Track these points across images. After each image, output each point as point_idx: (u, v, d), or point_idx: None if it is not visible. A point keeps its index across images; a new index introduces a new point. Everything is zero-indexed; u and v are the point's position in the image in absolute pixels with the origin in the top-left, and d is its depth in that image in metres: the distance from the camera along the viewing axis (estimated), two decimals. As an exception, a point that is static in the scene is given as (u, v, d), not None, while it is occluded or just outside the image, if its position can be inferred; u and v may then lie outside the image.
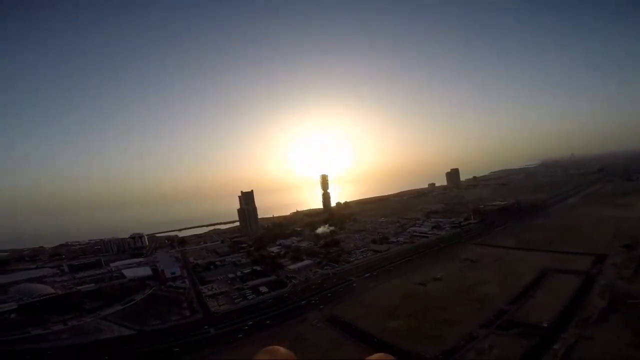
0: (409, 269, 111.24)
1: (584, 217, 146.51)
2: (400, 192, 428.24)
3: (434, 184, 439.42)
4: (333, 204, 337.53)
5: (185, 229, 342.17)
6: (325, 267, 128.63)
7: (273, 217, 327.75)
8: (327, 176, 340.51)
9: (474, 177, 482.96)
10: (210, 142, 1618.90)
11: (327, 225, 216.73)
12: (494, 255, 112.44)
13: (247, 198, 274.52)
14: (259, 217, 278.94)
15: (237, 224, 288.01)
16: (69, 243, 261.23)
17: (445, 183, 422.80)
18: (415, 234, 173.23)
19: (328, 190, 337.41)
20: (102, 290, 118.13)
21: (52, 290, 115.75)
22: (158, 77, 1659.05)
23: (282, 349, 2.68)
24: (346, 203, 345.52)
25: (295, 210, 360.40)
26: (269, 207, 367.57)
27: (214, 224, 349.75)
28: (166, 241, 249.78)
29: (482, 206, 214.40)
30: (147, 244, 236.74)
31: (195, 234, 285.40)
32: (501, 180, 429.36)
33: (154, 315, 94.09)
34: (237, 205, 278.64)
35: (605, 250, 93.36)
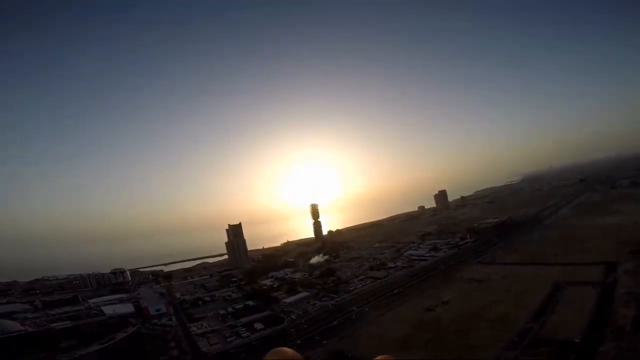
0: (413, 294, 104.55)
1: (580, 227, 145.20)
2: (392, 217, 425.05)
3: (424, 206, 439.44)
4: (325, 232, 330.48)
5: (171, 263, 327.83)
6: (324, 299, 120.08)
7: (263, 249, 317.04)
8: (317, 205, 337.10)
9: (462, 197, 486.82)
10: (196, 174, 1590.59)
11: (321, 255, 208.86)
12: (500, 273, 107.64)
13: (235, 230, 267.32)
14: (249, 249, 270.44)
15: (226, 257, 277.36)
16: (45, 278, 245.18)
17: (434, 205, 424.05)
18: (412, 257, 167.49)
19: (319, 219, 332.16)
20: (78, 328, 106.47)
21: (21, 328, 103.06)
22: (139, 105, 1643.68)
23: (289, 350, 2.75)
24: (338, 231, 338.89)
25: (286, 241, 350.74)
26: (258, 238, 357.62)
27: (201, 258, 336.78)
28: (150, 276, 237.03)
29: (476, 224, 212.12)
30: (130, 279, 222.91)
31: (181, 268, 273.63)
32: (487, 199, 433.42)
33: (137, 356, 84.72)
34: (225, 238, 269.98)
35: (613, 258, 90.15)
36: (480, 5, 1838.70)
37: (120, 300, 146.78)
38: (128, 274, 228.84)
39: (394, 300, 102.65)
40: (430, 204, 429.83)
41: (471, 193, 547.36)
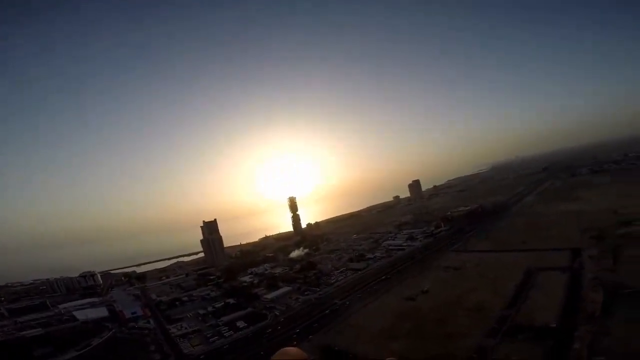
0: (393, 284, 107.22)
1: (546, 214, 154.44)
2: (369, 207, 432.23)
3: (399, 196, 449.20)
4: (303, 225, 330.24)
5: (143, 264, 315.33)
6: (306, 293, 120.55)
7: (241, 245, 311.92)
8: (295, 198, 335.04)
9: (434, 186, 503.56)
10: (168, 171, 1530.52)
11: (301, 248, 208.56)
12: (474, 261, 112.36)
13: (210, 227, 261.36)
14: (225, 245, 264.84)
15: (202, 255, 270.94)
16: (9, 284, 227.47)
17: (408, 194, 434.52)
18: (390, 247, 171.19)
19: (297, 213, 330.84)
20: (51, 335, 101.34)
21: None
22: (107, 100, 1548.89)
23: (296, 350, 2.83)
24: (317, 223, 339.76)
25: (264, 236, 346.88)
26: (235, 234, 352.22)
27: (176, 257, 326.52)
28: (123, 278, 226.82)
29: (449, 213, 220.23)
30: (101, 282, 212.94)
31: (155, 269, 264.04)
32: (459, 187, 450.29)
33: None
34: (200, 236, 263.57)
35: (578, 244, 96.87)
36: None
37: (93, 305, 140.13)
38: (99, 276, 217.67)
39: (375, 291, 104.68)
40: (405, 193, 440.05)
41: (443, 182, 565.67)
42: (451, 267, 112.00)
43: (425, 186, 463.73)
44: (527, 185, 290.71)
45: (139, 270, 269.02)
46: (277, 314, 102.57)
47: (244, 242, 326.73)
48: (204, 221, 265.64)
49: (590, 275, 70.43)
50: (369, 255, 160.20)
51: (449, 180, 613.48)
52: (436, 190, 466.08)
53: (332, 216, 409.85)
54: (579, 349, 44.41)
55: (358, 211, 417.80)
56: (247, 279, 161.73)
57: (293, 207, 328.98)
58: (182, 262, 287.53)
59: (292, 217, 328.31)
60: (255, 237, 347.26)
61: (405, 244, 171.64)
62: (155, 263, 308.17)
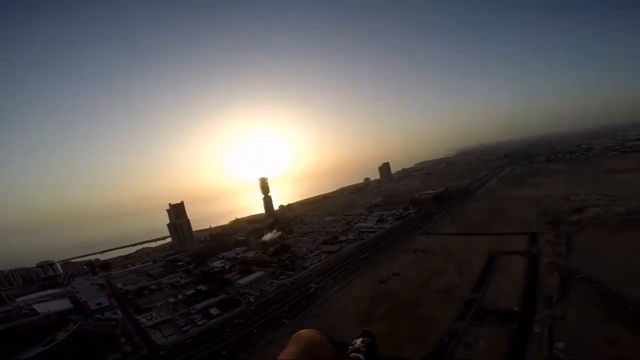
0: (365, 267, 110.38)
1: (507, 198, 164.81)
2: (340, 189, 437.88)
3: (369, 178, 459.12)
4: (276, 207, 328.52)
5: (107, 250, 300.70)
6: (281, 277, 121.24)
7: (210, 229, 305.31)
8: (266, 179, 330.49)
9: (403, 169, 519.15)
10: (131, 153, 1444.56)
11: (274, 231, 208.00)
12: (441, 244, 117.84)
13: (177, 211, 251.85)
14: (194, 229, 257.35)
15: (169, 240, 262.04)
16: None
17: (378, 177, 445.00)
18: (362, 229, 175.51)
19: (269, 194, 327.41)
20: (12, 330, 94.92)
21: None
22: (65, 76, 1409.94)
23: (314, 332, 2.99)
24: (289, 205, 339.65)
25: (234, 219, 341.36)
26: (204, 218, 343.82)
27: (141, 243, 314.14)
28: (85, 267, 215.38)
29: (417, 196, 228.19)
30: (61, 271, 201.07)
31: (120, 256, 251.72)
32: (426, 171, 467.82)
33: (87, 356, 78.37)
34: (167, 220, 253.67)
35: (535, 229, 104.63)
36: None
37: (54, 297, 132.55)
38: (59, 266, 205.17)
39: (349, 274, 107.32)
40: (375, 175, 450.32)
41: (412, 165, 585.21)
42: (420, 249, 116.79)
43: (394, 169, 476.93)
44: (490, 170, 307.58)
45: (103, 257, 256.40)
46: (252, 300, 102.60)
47: (213, 225, 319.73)
48: (170, 204, 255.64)
49: (546, 260, 76.65)
50: (342, 238, 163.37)
51: (417, 164, 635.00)
52: (405, 173, 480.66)
53: (304, 198, 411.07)
54: (540, 333, 48.41)
55: (331, 193, 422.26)
56: (218, 264, 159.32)
57: (265, 188, 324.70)
58: (149, 248, 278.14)
59: (264, 198, 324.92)
60: (225, 220, 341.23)
61: (375, 227, 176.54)
62: (120, 250, 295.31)
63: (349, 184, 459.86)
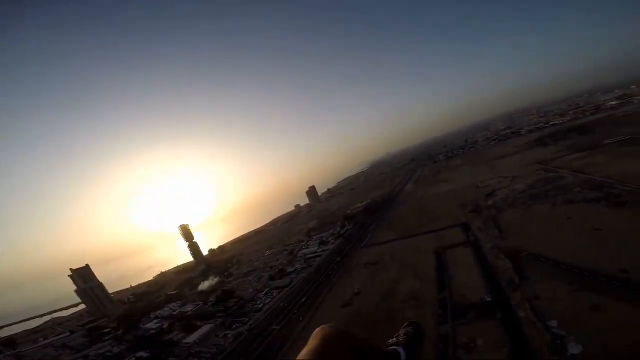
0: (324, 293, 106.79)
1: (427, 197, 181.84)
2: (273, 220, 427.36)
3: (299, 204, 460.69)
4: (205, 252, 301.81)
5: (5, 326, 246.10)
6: (234, 326, 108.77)
7: (132, 287, 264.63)
8: (187, 225, 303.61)
9: (328, 189, 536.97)
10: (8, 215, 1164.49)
11: (211, 277, 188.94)
12: (387, 252, 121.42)
13: (82, 275, 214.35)
14: (112, 291, 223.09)
15: (83, 306, 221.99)
16: None
17: (307, 201, 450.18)
18: (307, 256, 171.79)
19: (194, 240, 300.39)
20: None
21: None
22: None
23: (336, 327, 2.88)
24: (220, 247, 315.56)
25: (159, 272, 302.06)
26: (121, 276, 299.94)
27: (48, 313, 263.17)
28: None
29: (349, 211, 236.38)
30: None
31: (24, 330, 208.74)
32: (349, 187, 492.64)
33: None
34: (72, 286, 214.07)
35: (464, 219, 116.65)
36: None
37: None
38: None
39: (309, 305, 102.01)
40: (304, 200, 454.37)
41: (335, 184, 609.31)
42: (370, 262, 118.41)
43: (320, 190, 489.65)
44: (403, 176, 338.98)
45: (3, 334, 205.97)
46: (208, 358, 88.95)
47: (134, 283, 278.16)
48: (71, 269, 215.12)
49: (488, 245, 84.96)
50: (290, 269, 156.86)
51: (338, 182, 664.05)
52: (330, 193, 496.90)
53: (236, 236, 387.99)
54: (526, 316, 50.05)
55: (264, 226, 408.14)
56: (153, 325, 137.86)
57: (187, 235, 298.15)
58: (60, 317, 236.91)
59: (189, 245, 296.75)
60: (148, 276, 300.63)
61: (319, 250, 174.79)
62: (22, 323, 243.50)
63: (281, 214, 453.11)
